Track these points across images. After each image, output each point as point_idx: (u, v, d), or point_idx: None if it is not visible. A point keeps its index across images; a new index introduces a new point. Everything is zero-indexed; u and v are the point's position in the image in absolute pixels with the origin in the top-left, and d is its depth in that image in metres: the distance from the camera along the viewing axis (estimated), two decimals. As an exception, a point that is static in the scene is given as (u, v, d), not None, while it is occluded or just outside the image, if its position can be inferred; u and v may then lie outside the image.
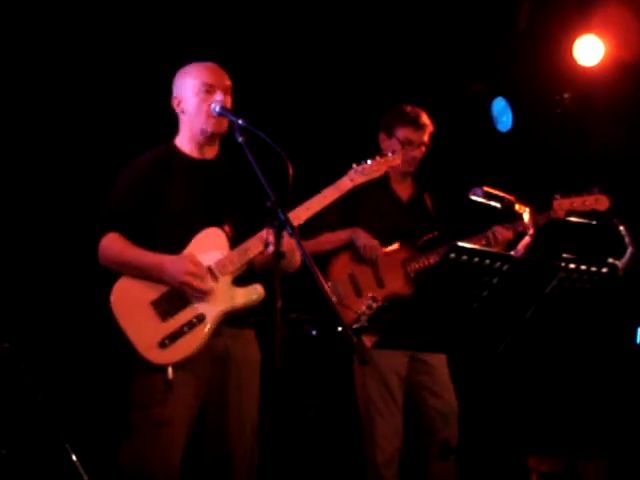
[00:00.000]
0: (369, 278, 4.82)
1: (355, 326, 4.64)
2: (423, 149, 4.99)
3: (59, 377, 5.29)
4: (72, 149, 5.63)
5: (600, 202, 4.74)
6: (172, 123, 4.09)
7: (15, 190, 5.46)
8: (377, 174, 4.13)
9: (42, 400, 4.32)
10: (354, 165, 4.09)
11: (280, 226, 3.36)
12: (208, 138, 4.01)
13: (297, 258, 3.79)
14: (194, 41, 5.64)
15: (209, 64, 4.04)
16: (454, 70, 6.44)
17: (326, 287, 3.21)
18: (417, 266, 4.85)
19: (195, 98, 3.95)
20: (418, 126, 4.96)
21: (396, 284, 4.82)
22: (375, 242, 4.83)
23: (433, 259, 4.77)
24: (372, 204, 4.94)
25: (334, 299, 3.45)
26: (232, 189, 4.02)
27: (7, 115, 5.41)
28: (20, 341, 4.61)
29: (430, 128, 4.99)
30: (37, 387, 4.38)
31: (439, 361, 4.88)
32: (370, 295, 4.72)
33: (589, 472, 5.13)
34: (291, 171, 3.46)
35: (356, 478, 5.30)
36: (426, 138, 4.99)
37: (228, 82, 4.00)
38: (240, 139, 3.64)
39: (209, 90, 3.93)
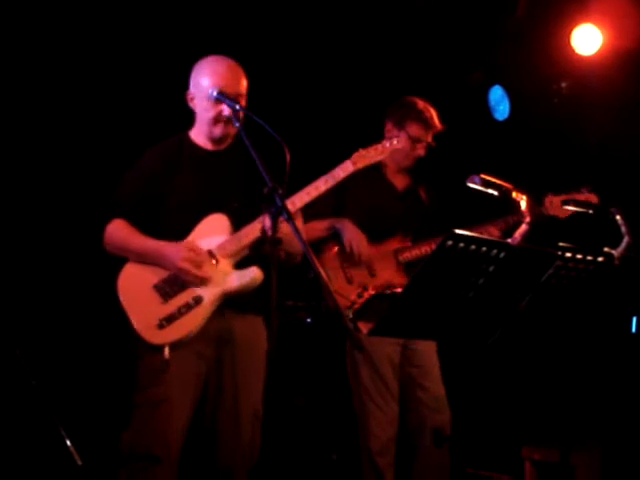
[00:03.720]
0: (360, 267, 4.81)
1: (347, 314, 4.65)
2: (426, 148, 5.01)
3: (54, 362, 5.28)
4: (83, 140, 5.61)
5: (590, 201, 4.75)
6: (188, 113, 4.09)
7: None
8: (381, 157, 4.08)
9: (36, 385, 4.33)
10: (360, 149, 4.05)
11: (277, 212, 3.33)
12: (218, 138, 4.03)
13: (296, 243, 3.74)
14: (196, 29, 5.64)
15: (227, 63, 3.98)
16: (452, 58, 6.43)
17: (323, 273, 3.20)
18: (409, 256, 4.84)
19: (206, 103, 3.95)
20: (429, 126, 4.96)
21: (387, 273, 4.81)
22: (361, 236, 4.79)
23: (425, 249, 4.78)
24: (366, 193, 4.91)
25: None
26: (239, 178, 4.02)
27: (18, 106, 5.38)
28: (14, 326, 4.61)
29: (438, 129, 5.00)
30: (32, 372, 4.39)
31: (429, 350, 4.87)
32: (361, 284, 4.72)
33: (583, 462, 5.15)
34: (288, 157, 3.46)
35: (351, 466, 5.30)
36: (431, 138, 5.00)
37: (243, 86, 3.97)
38: (237, 125, 3.69)
39: (219, 99, 3.88)
